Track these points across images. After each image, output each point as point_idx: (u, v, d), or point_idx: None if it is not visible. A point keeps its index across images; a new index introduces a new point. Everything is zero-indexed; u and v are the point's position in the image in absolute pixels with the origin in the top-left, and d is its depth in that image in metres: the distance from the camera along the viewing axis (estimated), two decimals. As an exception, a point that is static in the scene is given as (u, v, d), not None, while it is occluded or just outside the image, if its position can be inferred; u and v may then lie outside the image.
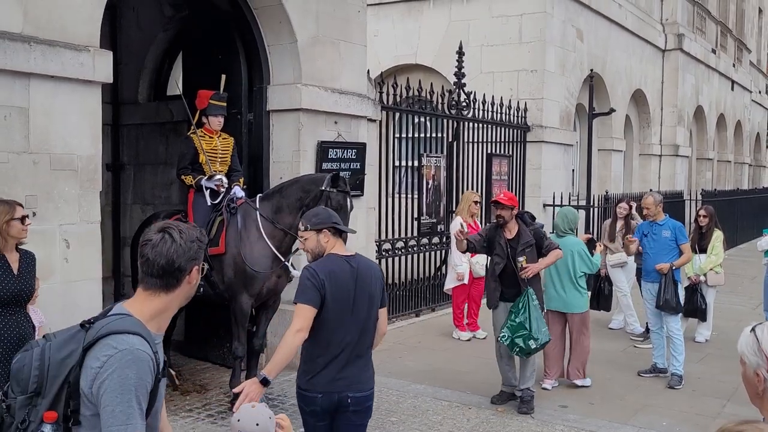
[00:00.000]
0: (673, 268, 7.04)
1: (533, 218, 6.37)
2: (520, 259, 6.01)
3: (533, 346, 5.94)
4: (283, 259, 6.02)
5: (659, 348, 7.23)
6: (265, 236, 5.97)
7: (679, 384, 6.90)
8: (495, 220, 6.22)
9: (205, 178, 6.26)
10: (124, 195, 9.09)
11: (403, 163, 10.10)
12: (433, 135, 10.37)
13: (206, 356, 7.58)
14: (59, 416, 2.01)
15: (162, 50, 8.81)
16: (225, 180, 6.28)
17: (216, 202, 6.26)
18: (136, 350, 2.00)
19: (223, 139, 6.49)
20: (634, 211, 9.25)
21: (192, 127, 6.40)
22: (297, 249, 6.14)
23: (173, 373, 6.89)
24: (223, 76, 6.54)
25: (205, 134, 6.38)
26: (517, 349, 6.03)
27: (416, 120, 10.24)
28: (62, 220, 5.04)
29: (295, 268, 6.23)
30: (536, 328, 5.91)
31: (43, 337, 2.15)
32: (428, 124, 10.36)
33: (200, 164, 6.32)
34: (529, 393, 6.17)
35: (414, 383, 6.85)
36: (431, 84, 10.04)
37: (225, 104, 6.44)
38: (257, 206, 6.06)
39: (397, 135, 9.75)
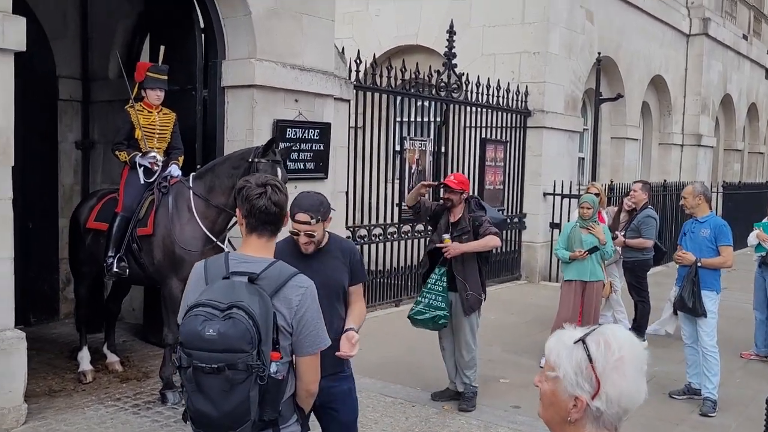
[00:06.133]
0: (699, 265, 6.02)
1: (481, 207, 5.88)
2: (445, 236, 5.63)
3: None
4: (215, 240, 5.68)
5: (694, 365, 6.23)
6: (197, 216, 5.65)
7: (712, 411, 5.87)
8: (442, 202, 5.83)
9: (140, 155, 5.95)
10: (93, 174, 8.84)
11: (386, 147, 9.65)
12: (419, 119, 9.92)
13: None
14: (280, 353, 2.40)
15: (131, 25, 8.50)
16: (159, 157, 5.95)
17: (150, 180, 5.95)
18: (311, 284, 2.50)
19: (163, 114, 6.15)
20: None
21: (130, 101, 6.08)
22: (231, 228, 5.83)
23: (117, 358, 6.65)
24: (162, 48, 6.20)
25: (143, 108, 6.06)
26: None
27: (401, 101, 9.82)
28: (-34, 195, 4.76)
29: (233, 249, 5.90)
30: (423, 305, 5.74)
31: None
32: (413, 105, 9.90)
33: (137, 140, 6.00)
34: (471, 389, 5.81)
35: (365, 377, 6.46)
36: (416, 64, 9.56)
37: (165, 77, 6.08)
38: (190, 185, 5.73)
39: (378, 117, 9.31)
